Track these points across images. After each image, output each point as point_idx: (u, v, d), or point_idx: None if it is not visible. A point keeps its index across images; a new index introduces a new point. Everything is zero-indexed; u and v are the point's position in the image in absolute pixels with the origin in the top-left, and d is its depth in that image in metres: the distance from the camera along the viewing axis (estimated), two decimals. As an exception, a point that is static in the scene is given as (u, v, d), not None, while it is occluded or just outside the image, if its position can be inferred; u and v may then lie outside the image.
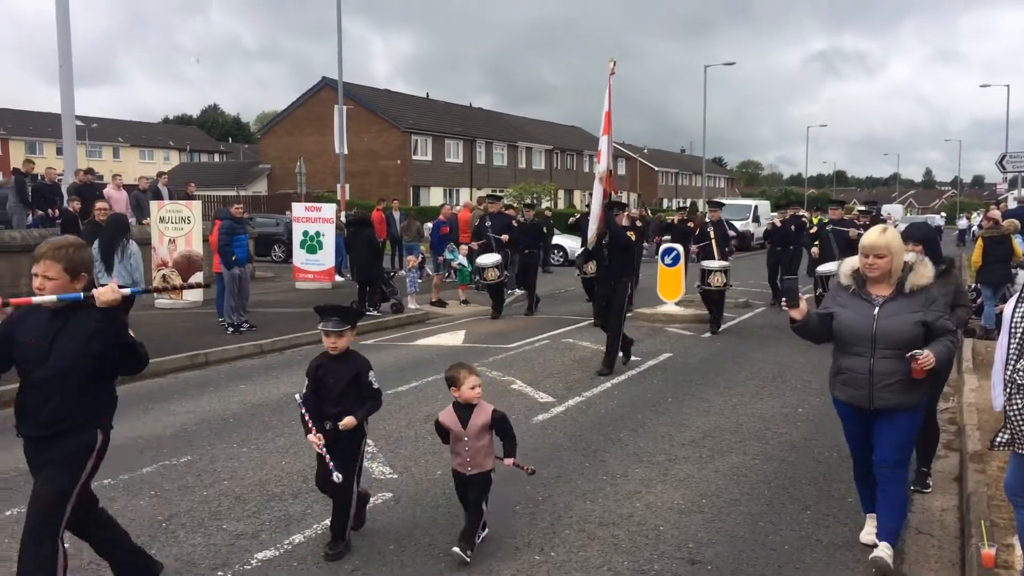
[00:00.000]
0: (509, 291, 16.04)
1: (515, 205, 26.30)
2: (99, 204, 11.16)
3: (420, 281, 15.96)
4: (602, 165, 9.60)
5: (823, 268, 12.63)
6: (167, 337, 11.38)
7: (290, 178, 42.03)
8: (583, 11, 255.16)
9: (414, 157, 51.05)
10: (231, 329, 12.16)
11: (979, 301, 12.89)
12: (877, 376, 4.40)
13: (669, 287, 14.66)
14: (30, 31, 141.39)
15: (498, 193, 22.01)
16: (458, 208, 21.94)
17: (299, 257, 18.74)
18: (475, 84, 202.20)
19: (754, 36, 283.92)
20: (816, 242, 13.96)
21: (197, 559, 4.72)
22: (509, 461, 4.73)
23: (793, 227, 16.25)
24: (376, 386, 4.91)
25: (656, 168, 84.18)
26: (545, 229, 17.12)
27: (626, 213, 17.42)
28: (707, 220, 13.96)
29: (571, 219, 18.01)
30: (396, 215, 22.97)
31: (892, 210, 74.77)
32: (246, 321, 12.47)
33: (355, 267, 15.08)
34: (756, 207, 39.13)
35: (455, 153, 54.87)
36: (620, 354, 10.08)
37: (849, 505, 5.55)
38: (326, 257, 18.59)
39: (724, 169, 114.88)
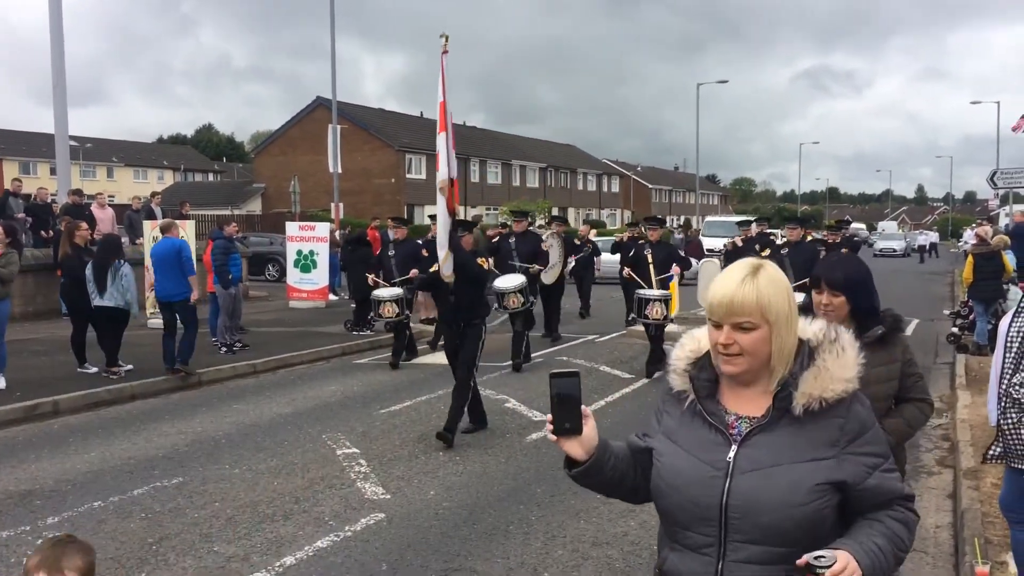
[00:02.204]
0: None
1: (508, 223, 26.23)
2: (81, 226, 10.90)
3: (414, 300, 15.91)
4: (441, 172, 7.45)
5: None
6: (161, 358, 11.32)
7: (284, 197, 42.03)
8: (575, 31, 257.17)
9: (408, 176, 51.16)
10: (224, 349, 12.12)
11: (972, 317, 12.93)
12: None
13: (663, 304, 14.63)
14: (24, 51, 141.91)
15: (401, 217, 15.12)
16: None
17: (293, 276, 18.72)
18: (468, 103, 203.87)
19: (744, 55, 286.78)
20: None
21: (187, 582, 4.69)
22: None
23: (758, 247, 12.93)
24: None
25: (650, 185, 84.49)
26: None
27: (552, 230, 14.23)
28: (646, 240, 11.54)
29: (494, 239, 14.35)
30: (391, 234, 22.95)
31: (886, 227, 74.95)
32: (239, 340, 12.43)
33: (352, 285, 15.05)
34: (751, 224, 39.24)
35: (449, 171, 54.99)
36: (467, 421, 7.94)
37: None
38: (320, 276, 18.57)
39: (718, 186, 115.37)
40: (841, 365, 1.95)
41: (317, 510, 5.84)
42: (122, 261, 9.92)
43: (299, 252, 18.57)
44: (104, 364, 10.17)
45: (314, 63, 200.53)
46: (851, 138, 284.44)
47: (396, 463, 6.98)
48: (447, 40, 7.64)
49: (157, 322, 14.95)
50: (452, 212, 7.49)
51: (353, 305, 14.83)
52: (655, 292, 10.66)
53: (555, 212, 45.03)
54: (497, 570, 4.85)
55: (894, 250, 49.89)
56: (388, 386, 10.28)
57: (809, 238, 14.39)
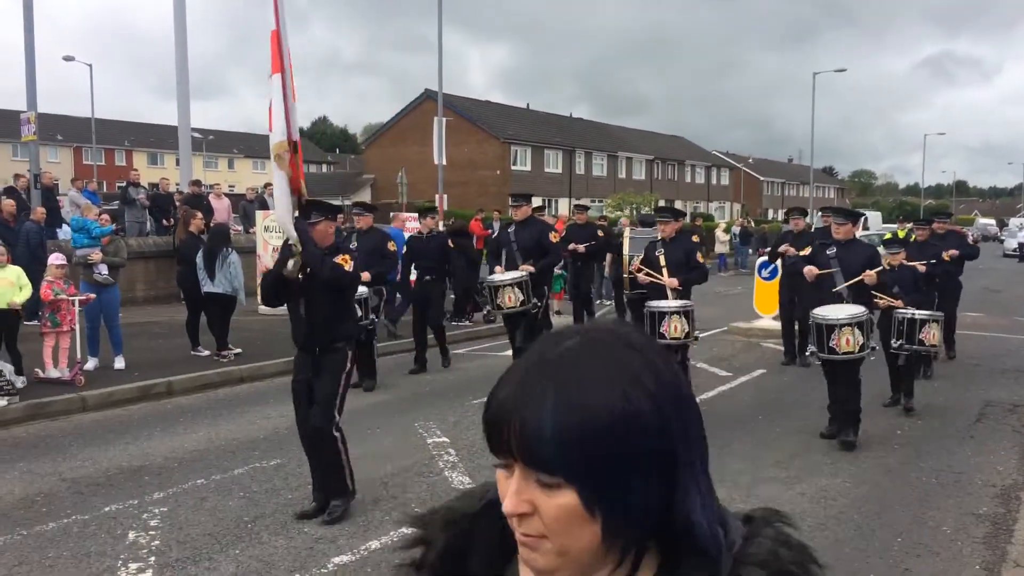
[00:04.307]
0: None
1: (605, 215, 25.99)
2: (197, 215, 11.51)
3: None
4: (275, 133, 5.45)
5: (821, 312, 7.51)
6: (268, 343, 11.78)
7: (392, 188, 43.00)
8: (677, 19, 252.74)
9: (513, 167, 51.41)
10: (328, 336, 12.51)
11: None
12: None
13: (766, 301, 14.26)
14: (151, 48, 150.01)
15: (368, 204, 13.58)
16: (552, 219, 21.93)
17: (397, 266, 19.13)
18: (571, 94, 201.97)
19: (858, 42, 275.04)
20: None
21: (277, 561, 4.87)
22: None
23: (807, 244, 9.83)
24: None
25: (761, 178, 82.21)
26: (451, 244, 11.79)
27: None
28: (658, 237, 8.90)
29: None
30: (496, 225, 23.19)
31: (1020, 223, 68.59)
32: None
33: (452, 276, 15.23)
34: (865, 218, 37.49)
35: (554, 163, 54.98)
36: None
37: (944, 535, 5.27)
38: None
39: (835, 179, 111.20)
40: None
41: (404, 497, 5.97)
42: (230, 249, 10.37)
43: (403, 242, 18.95)
44: (215, 348, 10.66)
45: (421, 56, 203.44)
46: (980, 128, 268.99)
47: (484, 454, 7.05)
48: None
49: (268, 308, 15.64)
50: (296, 191, 5.48)
51: (452, 296, 15.04)
52: (671, 303, 8.25)
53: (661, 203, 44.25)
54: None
55: None
56: (482, 377, 10.39)
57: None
